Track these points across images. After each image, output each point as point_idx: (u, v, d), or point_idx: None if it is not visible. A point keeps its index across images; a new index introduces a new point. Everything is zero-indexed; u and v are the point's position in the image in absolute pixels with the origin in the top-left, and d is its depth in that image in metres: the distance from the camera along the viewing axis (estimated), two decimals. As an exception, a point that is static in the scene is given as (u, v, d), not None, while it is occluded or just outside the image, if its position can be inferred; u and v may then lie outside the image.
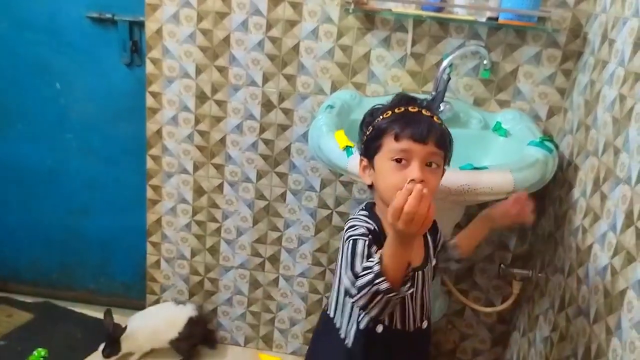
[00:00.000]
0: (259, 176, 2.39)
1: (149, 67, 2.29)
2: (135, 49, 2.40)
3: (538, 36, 2.07)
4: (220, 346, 2.71)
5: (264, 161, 2.36)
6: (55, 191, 2.71)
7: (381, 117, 1.40)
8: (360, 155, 1.49)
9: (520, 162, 1.75)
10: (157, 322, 2.49)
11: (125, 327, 2.41)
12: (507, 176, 1.65)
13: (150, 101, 2.34)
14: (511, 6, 1.93)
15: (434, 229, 1.58)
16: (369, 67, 2.18)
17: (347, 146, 1.73)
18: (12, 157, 2.66)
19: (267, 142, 2.33)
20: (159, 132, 2.38)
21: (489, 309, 2.35)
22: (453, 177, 1.58)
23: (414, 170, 1.29)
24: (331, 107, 2.04)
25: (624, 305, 1.42)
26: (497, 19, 1.99)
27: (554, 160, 1.84)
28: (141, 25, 2.31)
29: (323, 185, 2.37)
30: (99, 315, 2.57)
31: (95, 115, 2.54)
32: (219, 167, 2.40)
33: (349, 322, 1.52)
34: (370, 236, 1.38)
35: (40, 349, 2.48)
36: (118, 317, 2.44)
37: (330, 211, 2.41)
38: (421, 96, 2.10)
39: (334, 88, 2.22)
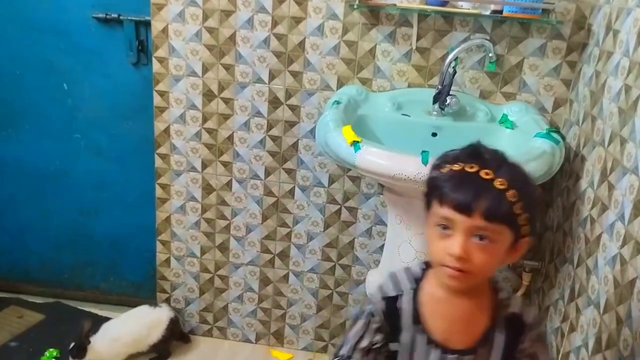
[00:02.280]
0: (267, 173, 2.40)
1: (156, 66, 2.30)
2: (142, 49, 2.41)
3: (542, 28, 2.07)
4: (232, 343, 2.72)
5: (271, 158, 2.37)
6: (64, 191, 2.72)
7: (440, 170, 1.17)
8: None
9: (527, 154, 1.75)
10: (138, 329, 2.46)
11: (87, 336, 2.36)
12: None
13: (157, 100, 2.35)
14: (515, -1, 1.94)
15: (513, 324, 1.25)
16: (375, 62, 2.18)
17: (354, 141, 1.73)
18: (20, 158, 2.68)
19: (274, 139, 2.34)
20: (166, 131, 2.39)
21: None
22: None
23: (454, 244, 1.10)
24: (338, 102, 2.05)
25: (634, 294, 1.42)
26: (501, 12, 2.00)
27: (561, 151, 1.84)
28: (147, 24, 2.32)
29: (331, 180, 2.38)
30: (110, 314, 2.60)
31: (102, 114, 2.55)
32: (227, 165, 2.41)
33: None
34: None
35: (51, 350, 2.49)
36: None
37: (339, 206, 2.41)
38: (427, 91, 2.12)
39: (340, 84, 2.23)
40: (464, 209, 1.08)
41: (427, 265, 1.26)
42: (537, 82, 2.13)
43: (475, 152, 1.15)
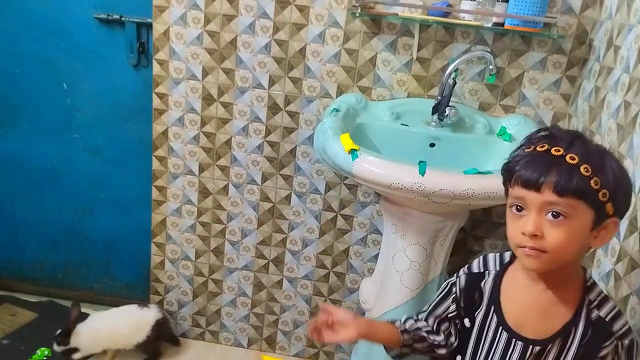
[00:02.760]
0: (264, 178, 2.40)
1: (156, 69, 2.30)
2: (143, 50, 2.41)
3: (544, 42, 2.07)
4: (223, 348, 2.72)
5: (269, 163, 2.37)
6: (60, 191, 2.72)
7: (514, 155, 1.17)
8: None
9: (525, 168, 1.75)
10: (120, 326, 2.46)
11: (74, 323, 2.40)
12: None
13: (156, 102, 2.35)
14: (517, 12, 1.93)
15: (597, 328, 1.18)
16: (375, 71, 2.19)
17: (352, 149, 1.73)
18: (18, 157, 2.68)
19: (272, 145, 2.34)
20: (165, 134, 2.39)
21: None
22: (457, 181, 1.58)
23: (527, 222, 1.08)
24: (337, 110, 2.05)
25: (628, 311, 1.42)
26: (503, 24, 2.00)
27: (559, 166, 1.84)
28: (148, 26, 2.33)
29: (328, 188, 2.37)
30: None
31: (101, 115, 2.55)
32: (224, 169, 2.41)
33: None
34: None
35: (43, 348, 2.49)
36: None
37: (334, 214, 2.41)
38: (426, 101, 2.12)
39: (339, 91, 2.23)
40: (533, 184, 1.07)
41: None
42: (536, 95, 2.14)
43: (549, 134, 1.14)
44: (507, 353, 1.22)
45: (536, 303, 1.19)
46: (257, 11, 2.17)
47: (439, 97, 2.04)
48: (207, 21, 2.20)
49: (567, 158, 1.06)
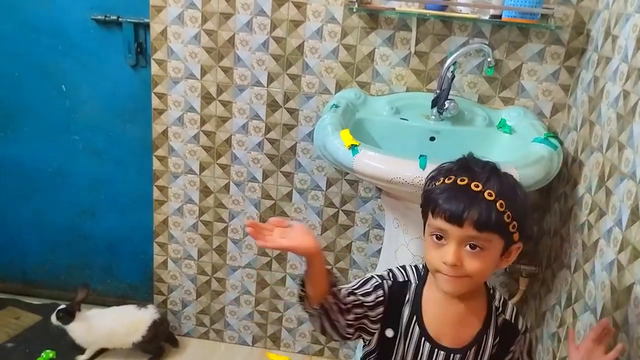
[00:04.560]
0: (265, 176, 2.40)
1: (154, 69, 2.30)
2: (141, 51, 2.41)
3: (541, 33, 2.07)
4: (228, 346, 2.72)
5: (269, 161, 2.37)
6: (61, 193, 2.72)
7: (434, 184, 1.23)
8: None
9: (525, 159, 1.76)
10: (117, 325, 2.48)
11: (79, 304, 2.45)
12: (513, 173, 1.64)
13: (155, 102, 2.35)
14: (514, 4, 1.94)
15: (505, 331, 1.33)
16: (373, 66, 2.19)
17: (352, 145, 1.73)
18: (18, 159, 2.67)
19: (272, 142, 2.34)
20: (164, 133, 2.39)
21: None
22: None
23: (447, 252, 1.17)
24: (336, 106, 2.05)
25: (631, 300, 1.42)
26: (500, 16, 2.00)
27: (559, 156, 1.85)
28: (146, 26, 2.32)
29: (329, 184, 2.37)
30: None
31: (101, 116, 2.55)
32: (225, 167, 2.41)
33: None
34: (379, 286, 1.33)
35: (48, 351, 2.49)
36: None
37: (336, 210, 2.41)
38: (425, 95, 2.12)
39: (338, 87, 2.23)
40: (456, 220, 1.15)
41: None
42: (535, 87, 2.14)
43: (466, 165, 1.22)
44: None
45: (453, 316, 1.30)
46: (254, 9, 2.16)
47: (438, 91, 2.05)
48: (205, 20, 2.20)
49: (486, 194, 1.15)
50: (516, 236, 1.20)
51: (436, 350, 1.31)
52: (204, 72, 2.28)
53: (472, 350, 1.30)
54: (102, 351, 2.55)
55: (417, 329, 1.31)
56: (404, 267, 1.38)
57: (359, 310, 1.31)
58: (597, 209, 1.71)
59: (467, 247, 1.17)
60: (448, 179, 1.20)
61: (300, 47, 2.20)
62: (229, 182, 2.43)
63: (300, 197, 2.41)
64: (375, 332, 1.35)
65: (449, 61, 1.99)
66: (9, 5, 2.42)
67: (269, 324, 2.67)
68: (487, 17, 2.03)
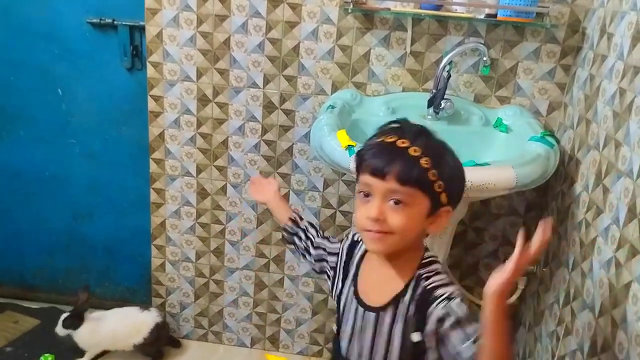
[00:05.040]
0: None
1: (150, 71, 2.30)
2: (136, 53, 2.41)
3: (537, 32, 2.07)
4: (227, 348, 2.72)
5: (266, 162, 2.37)
6: (58, 196, 2.71)
7: (366, 144, 1.29)
8: None
9: (522, 158, 1.76)
10: (120, 327, 2.49)
11: (84, 306, 2.47)
12: (509, 172, 1.65)
13: (152, 105, 2.34)
14: (509, 3, 1.94)
15: (424, 299, 1.28)
16: (369, 67, 2.18)
17: (349, 145, 1.73)
18: (15, 163, 2.67)
19: (269, 144, 2.34)
20: (161, 136, 2.38)
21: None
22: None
23: (371, 207, 1.21)
24: (332, 107, 2.05)
25: (629, 298, 1.42)
26: (495, 15, 2.00)
27: (556, 155, 1.84)
28: (141, 29, 2.32)
29: (326, 185, 2.37)
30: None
31: (97, 119, 2.55)
32: (221, 169, 2.41)
33: None
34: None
35: (46, 355, 2.48)
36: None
37: (333, 210, 2.41)
38: (421, 95, 2.12)
39: (334, 88, 2.23)
40: (379, 173, 1.19)
41: None
42: (531, 85, 2.14)
43: (397, 127, 1.27)
44: (357, 318, 1.38)
45: (378, 275, 1.35)
46: (250, 10, 2.16)
47: (434, 91, 2.05)
48: (200, 22, 2.20)
49: (411, 150, 1.19)
50: (444, 197, 1.22)
51: (358, 307, 1.37)
52: (199, 74, 2.27)
53: (389, 312, 1.31)
54: (101, 354, 2.55)
55: (352, 286, 1.40)
56: (357, 233, 1.46)
57: (321, 251, 1.54)
58: (595, 207, 1.71)
59: (391, 202, 1.20)
60: (378, 138, 1.25)
61: (296, 49, 2.19)
62: (226, 184, 2.43)
63: (298, 198, 2.41)
64: (332, 280, 1.50)
65: (444, 61, 1.99)
66: (4, 9, 2.42)
67: (268, 326, 2.67)
68: (482, 16, 2.03)
